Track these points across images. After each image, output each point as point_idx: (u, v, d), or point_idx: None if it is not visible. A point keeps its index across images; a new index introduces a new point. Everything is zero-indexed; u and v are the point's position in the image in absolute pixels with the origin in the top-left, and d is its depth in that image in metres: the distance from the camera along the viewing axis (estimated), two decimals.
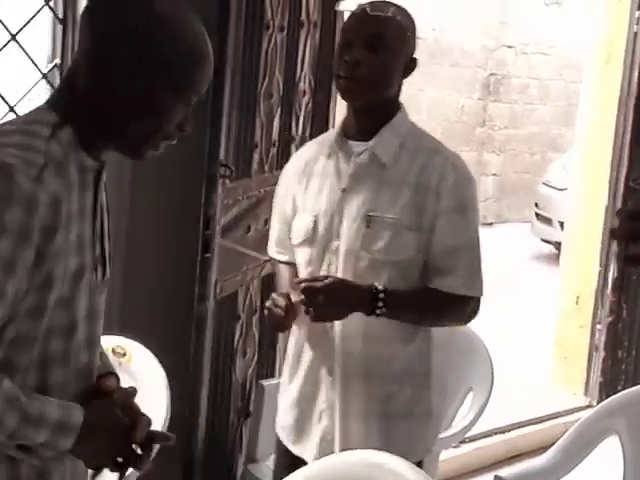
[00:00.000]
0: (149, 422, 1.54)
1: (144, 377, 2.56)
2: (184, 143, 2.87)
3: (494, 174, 9.93)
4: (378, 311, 2.06)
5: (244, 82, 2.80)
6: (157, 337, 2.70)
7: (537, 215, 8.63)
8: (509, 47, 9.84)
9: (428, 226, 2.10)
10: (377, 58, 2.08)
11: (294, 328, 2.22)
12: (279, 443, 2.32)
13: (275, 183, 3.06)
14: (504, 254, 8.50)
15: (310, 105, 3.29)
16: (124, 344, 2.64)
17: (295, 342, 2.26)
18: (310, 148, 2.31)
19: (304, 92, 3.23)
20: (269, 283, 3.17)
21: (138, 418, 1.52)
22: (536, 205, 8.67)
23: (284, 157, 3.14)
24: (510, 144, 10.02)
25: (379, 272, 2.11)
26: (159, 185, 2.97)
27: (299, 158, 2.30)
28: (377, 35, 2.08)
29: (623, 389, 2.68)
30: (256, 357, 3.12)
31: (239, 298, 3.00)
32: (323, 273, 2.15)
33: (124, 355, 2.62)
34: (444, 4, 9.04)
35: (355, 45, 2.07)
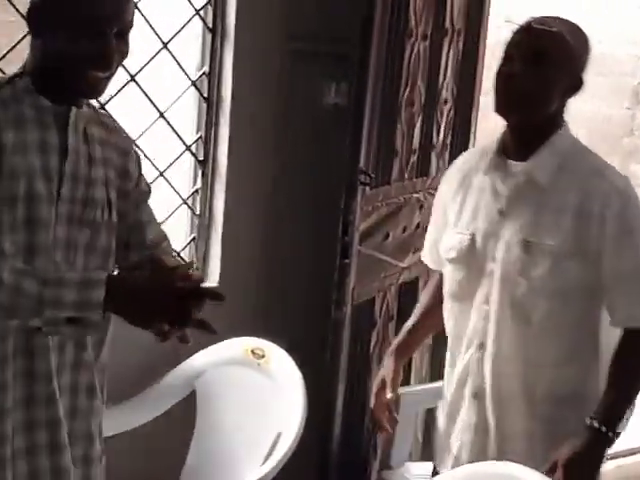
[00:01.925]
0: (200, 278, 1.69)
1: (281, 379, 2.60)
2: (325, 151, 2.93)
3: None
4: (612, 436, 2.01)
5: (386, 90, 2.81)
6: (295, 340, 2.75)
7: None
8: None
9: (592, 255, 2.02)
10: (536, 73, 1.99)
11: (451, 340, 2.23)
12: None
13: (414, 191, 3.09)
14: None
15: (452, 114, 3.27)
16: (263, 346, 2.69)
17: (451, 355, 2.25)
18: (469, 159, 2.25)
19: (446, 100, 3.22)
20: (406, 290, 3.18)
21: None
22: None
23: (424, 165, 3.14)
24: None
25: (539, 301, 2.05)
26: (299, 191, 3.02)
27: (457, 169, 2.25)
28: (539, 49, 2.00)
29: None
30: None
31: (376, 304, 3.01)
32: (479, 297, 2.12)
33: (262, 357, 2.67)
34: (591, 13, 8.84)
35: (515, 59, 2.01)
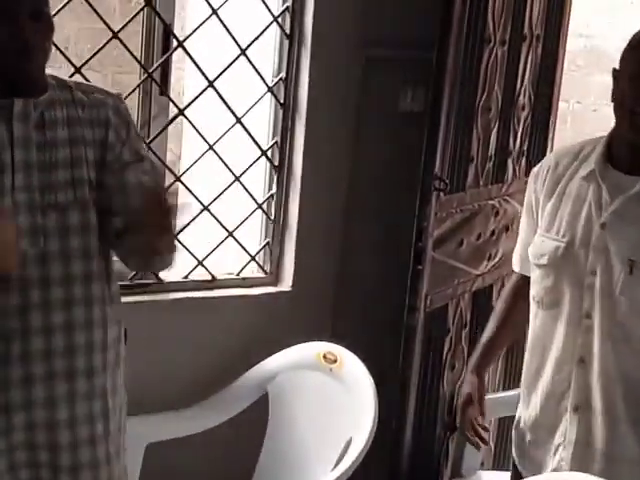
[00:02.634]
0: None
1: (353, 384, 2.61)
2: (400, 156, 2.93)
3: None
4: None
5: (462, 95, 2.79)
6: (367, 346, 2.75)
7: None
8: None
9: None
10: None
11: (534, 347, 2.19)
12: (515, 469, 2.30)
13: (489, 198, 3.06)
14: None
15: (529, 120, 3.24)
16: (335, 351, 2.70)
17: (535, 362, 2.19)
18: (562, 158, 2.16)
19: (523, 106, 3.18)
20: (480, 298, 3.16)
21: None
22: None
23: (500, 172, 3.11)
24: None
25: (638, 321, 2.00)
26: (374, 197, 3.03)
27: (549, 167, 2.17)
28: None
29: None
30: (464, 371, 3.11)
31: (449, 311, 2.99)
32: (575, 309, 2.06)
33: (335, 362, 2.68)
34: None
35: None
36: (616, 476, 2.02)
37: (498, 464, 3.23)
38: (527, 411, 2.23)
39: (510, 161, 3.17)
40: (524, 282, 2.27)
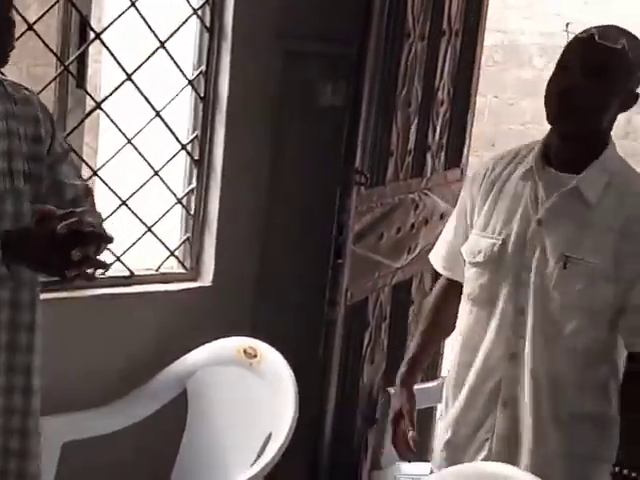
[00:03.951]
0: (81, 222, 1.69)
1: (273, 379, 2.60)
2: (321, 151, 2.93)
3: None
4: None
5: (382, 90, 2.80)
6: (288, 340, 2.75)
7: None
8: None
9: (630, 278, 2.00)
10: (595, 88, 1.96)
11: (466, 342, 2.21)
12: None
13: (409, 191, 3.09)
14: None
15: (448, 114, 3.27)
16: (255, 346, 2.69)
17: (466, 357, 2.20)
18: (499, 161, 2.19)
19: (442, 101, 3.22)
20: (400, 291, 3.18)
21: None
22: None
23: (419, 166, 3.14)
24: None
25: (571, 317, 2.03)
26: (294, 191, 3.02)
27: (487, 171, 2.20)
28: (599, 65, 1.96)
29: None
30: (384, 364, 3.13)
31: (369, 305, 3.01)
32: (510, 305, 2.08)
33: (255, 357, 2.67)
34: (590, 14, 8.83)
35: (574, 71, 1.97)
36: (541, 472, 2.06)
37: (417, 455, 3.26)
38: (453, 405, 2.25)
39: (429, 155, 3.20)
40: (451, 285, 2.29)
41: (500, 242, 2.10)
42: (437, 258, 2.34)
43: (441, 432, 2.30)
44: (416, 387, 2.94)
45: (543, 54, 8.63)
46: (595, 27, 2.01)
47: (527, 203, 2.08)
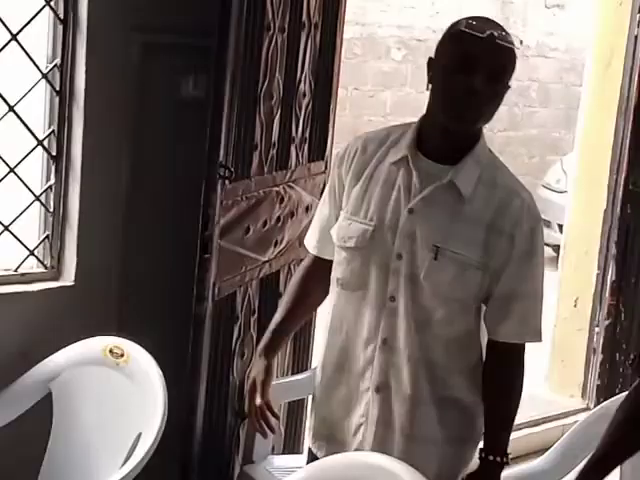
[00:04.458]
0: None
1: (141, 378, 2.56)
2: (184, 145, 2.89)
3: None
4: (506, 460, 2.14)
5: (244, 83, 2.79)
6: (155, 338, 2.71)
7: None
8: None
9: (495, 269, 2.06)
10: (494, 89, 2.02)
11: (336, 327, 2.21)
12: (311, 453, 2.32)
13: (274, 184, 3.08)
14: None
15: (310, 106, 3.28)
16: (121, 345, 2.65)
17: (338, 342, 2.22)
18: (373, 144, 2.18)
19: (304, 93, 3.22)
20: (268, 284, 3.18)
21: None
22: None
23: (283, 158, 3.14)
24: (509, 146, 9.99)
25: (440, 305, 2.08)
26: (158, 187, 2.98)
27: (356, 151, 2.18)
28: (502, 68, 2.02)
29: (620, 392, 2.68)
30: (254, 358, 3.12)
31: (237, 299, 2.99)
32: (381, 292, 2.12)
33: (121, 356, 2.62)
34: (444, 6, 9.04)
35: (476, 72, 1.99)
36: (416, 456, 2.10)
37: (289, 448, 3.27)
38: (325, 391, 2.26)
39: (293, 147, 3.20)
40: (319, 265, 2.29)
41: (372, 228, 2.11)
42: (309, 240, 2.35)
43: (314, 419, 2.31)
44: (288, 379, 2.97)
45: (401, 47, 8.79)
46: (471, 19, 2.03)
47: (400, 191, 2.09)
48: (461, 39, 2.02)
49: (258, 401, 2.28)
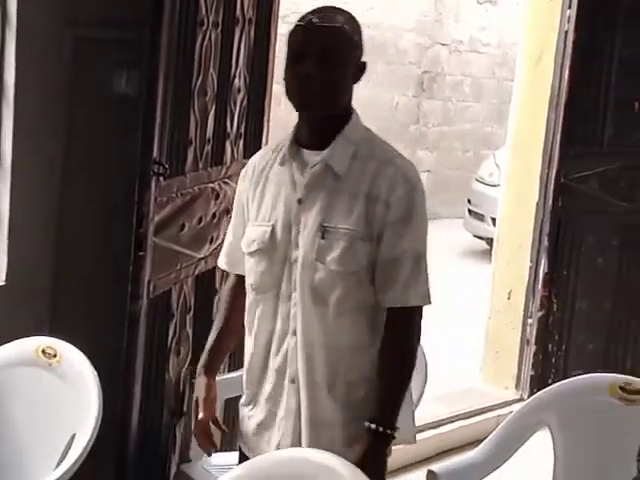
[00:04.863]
0: None
1: (75, 378, 2.53)
2: (117, 141, 2.86)
3: (427, 171, 10.00)
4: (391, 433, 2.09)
5: (178, 79, 2.77)
6: (89, 337, 2.67)
7: (470, 211, 8.72)
8: (443, 45, 9.91)
9: (376, 236, 2.11)
10: (330, 71, 2.08)
11: (258, 330, 2.24)
12: (241, 452, 2.33)
13: (209, 181, 3.07)
14: (437, 250, 8.55)
15: (245, 102, 3.27)
16: (54, 345, 2.61)
17: (256, 346, 2.26)
18: (264, 155, 2.29)
19: (239, 89, 3.21)
20: (203, 281, 3.16)
21: None
22: (469, 201, 8.75)
23: (218, 154, 3.12)
24: (443, 141, 10.09)
25: (335, 283, 2.12)
26: (91, 184, 2.94)
27: (254, 165, 2.29)
28: (329, 48, 2.08)
29: (554, 382, 2.72)
30: (190, 356, 3.10)
31: (173, 297, 2.97)
32: (286, 285, 2.16)
33: (54, 356, 2.58)
34: (378, 2, 9.08)
35: (307, 58, 2.07)
36: (318, 441, 2.14)
37: (227, 446, 3.26)
38: (254, 390, 2.29)
39: (228, 143, 3.19)
40: (239, 282, 2.34)
41: (270, 228, 2.18)
42: (222, 258, 2.40)
43: (243, 417, 2.32)
44: (223, 377, 2.95)
45: None
46: (310, 12, 2.13)
47: (287, 186, 2.18)
48: (292, 32, 2.14)
49: (200, 416, 2.29)
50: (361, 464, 2.02)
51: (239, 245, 2.28)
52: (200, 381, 2.34)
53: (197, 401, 2.31)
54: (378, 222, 2.10)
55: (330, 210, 2.12)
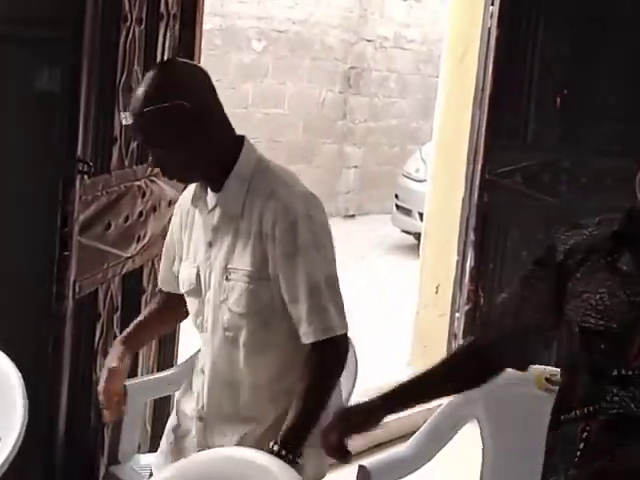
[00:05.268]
0: None
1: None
2: (40, 139, 2.81)
3: (355, 166, 10.06)
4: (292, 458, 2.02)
5: (102, 76, 2.74)
6: (13, 339, 2.62)
7: (397, 206, 8.79)
8: (368, 41, 9.97)
9: (273, 275, 2.08)
10: (166, 157, 2.08)
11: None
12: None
13: (135, 179, 3.03)
14: (365, 245, 8.62)
15: None
16: None
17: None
18: (194, 192, 2.24)
19: None
20: (130, 281, 3.12)
21: None
22: (396, 197, 8.83)
23: (144, 152, 3.08)
24: (370, 137, 10.16)
25: (240, 324, 2.12)
26: (13, 184, 2.88)
27: (182, 204, 2.31)
28: (148, 141, 2.10)
29: None
30: None
31: (99, 297, 2.94)
32: (207, 325, 2.20)
33: None
34: None
35: (144, 144, 2.16)
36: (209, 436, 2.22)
37: (156, 446, 3.23)
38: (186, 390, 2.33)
39: None
40: (167, 298, 2.41)
41: (195, 270, 2.21)
42: (160, 279, 2.46)
43: (171, 418, 2.38)
44: (153, 376, 2.94)
45: (261, 38, 8.80)
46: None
47: (201, 229, 2.20)
48: None
49: (100, 386, 2.30)
50: None
51: (168, 265, 2.35)
52: (115, 350, 2.34)
53: (108, 370, 2.29)
54: (272, 260, 2.06)
55: (232, 251, 2.12)
